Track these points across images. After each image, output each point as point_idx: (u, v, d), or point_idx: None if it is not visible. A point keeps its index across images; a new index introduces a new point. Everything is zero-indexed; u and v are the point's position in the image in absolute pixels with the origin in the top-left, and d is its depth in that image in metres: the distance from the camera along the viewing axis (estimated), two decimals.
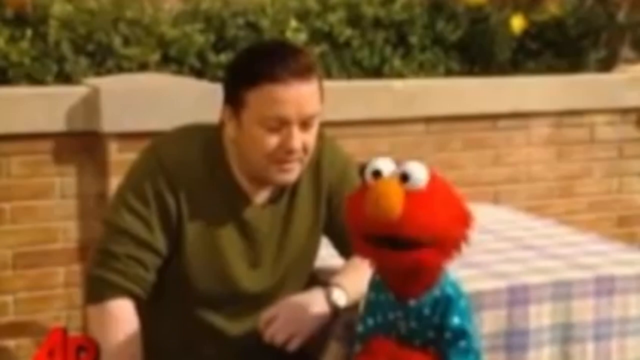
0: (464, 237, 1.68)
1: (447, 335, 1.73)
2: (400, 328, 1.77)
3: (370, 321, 1.82)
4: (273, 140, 1.92)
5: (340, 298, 2.00)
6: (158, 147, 2.03)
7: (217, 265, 2.02)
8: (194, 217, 1.98)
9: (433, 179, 1.66)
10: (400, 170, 1.65)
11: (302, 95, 1.91)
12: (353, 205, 1.70)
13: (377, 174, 1.66)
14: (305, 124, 1.93)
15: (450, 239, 1.66)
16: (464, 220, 1.68)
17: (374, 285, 1.83)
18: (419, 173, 1.64)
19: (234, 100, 1.94)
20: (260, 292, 2.07)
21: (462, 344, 1.73)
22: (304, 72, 1.91)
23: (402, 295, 1.74)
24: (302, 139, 1.93)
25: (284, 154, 1.93)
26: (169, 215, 1.96)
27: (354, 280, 2.02)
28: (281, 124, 1.91)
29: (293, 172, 1.98)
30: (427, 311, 1.73)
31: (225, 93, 1.98)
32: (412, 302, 1.74)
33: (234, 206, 2.02)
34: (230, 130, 1.98)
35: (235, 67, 1.99)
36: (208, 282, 2.03)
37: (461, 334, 1.73)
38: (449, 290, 1.75)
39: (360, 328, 1.83)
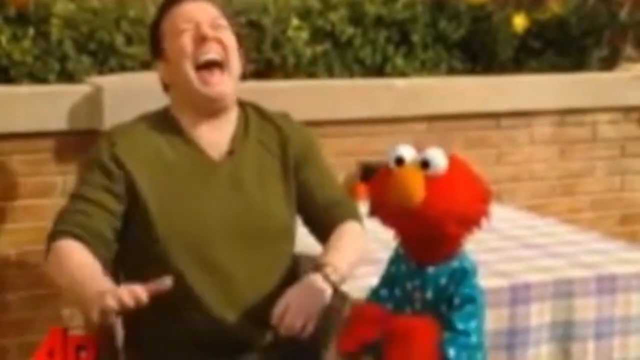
0: (484, 214, 1.78)
1: (456, 301, 1.78)
2: (416, 301, 1.80)
3: (384, 292, 1.88)
4: (187, 39, 2.13)
5: (335, 274, 2.05)
6: (109, 130, 2.24)
7: (180, 223, 2.08)
8: (146, 175, 2.10)
9: (453, 163, 1.77)
10: (420, 157, 1.75)
11: (200, 5, 2.17)
12: (377, 191, 1.80)
13: (399, 161, 1.75)
14: (214, 26, 2.15)
15: (470, 217, 1.75)
16: (483, 198, 1.78)
17: (394, 259, 1.90)
18: (439, 159, 1.75)
19: (155, 45, 2.20)
20: (232, 256, 2.10)
21: (468, 308, 1.79)
22: None
23: (422, 262, 1.81)
24: (214, 35, 2.13)
25: (200, 46, 2.12)
26: (112, 175, 2.08)
27: (339, 254, 2.09)
28: (191, 25, 2.13)
29: (220, 85, 2.14)
30: (443, 280, 1.79)
31: (150, 50, 2.24)
32: (430, 270, 1.80)
33: (189, 160, 2.14)
34: (164, 74, 2.20)
35: (151, 23, 2.25)
36: (173, 244, 2.07)
37: (469, 299, 1.79)
38: (466, 264, 1.82)
39: (371, 297, 1.87)
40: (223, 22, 2.19)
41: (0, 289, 3.08)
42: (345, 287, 2.09)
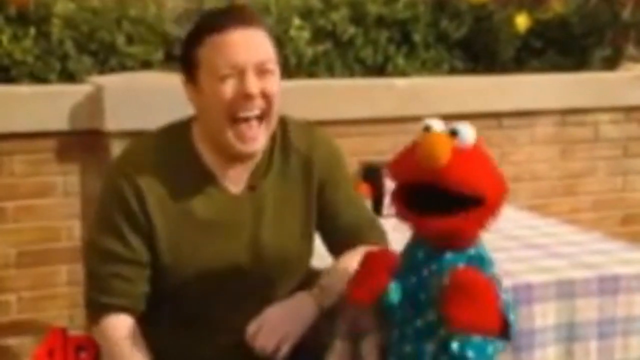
0: (503, 199, 1.76)
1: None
2: (432, 288, 1.77)
3: (399, 282, 1.83)
4: (228, 89, 1.90)
5: (323, 294, 2.00)
6: (121, 160, 2.03)
7: (193, 263, 2.00)
8: (165, 217, 1.97)
9: (480, 143, 1.77)
10: (450, 127, 1.75)
11: (248, 38, 1.91)
12: (400, 158, 1.78)
13: (427, 129, 1.75)
14: (260, 71, 1.92)
15: (491, 197, 1.73)
16: (503, 184, 1.78)
17: (410, 248, 1.86)
18: (468, 132, 1.74)
19: (188, 66, 1.96)
20: (245, 289, 2.05)
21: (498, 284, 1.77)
22: (246, 19, 1.93)
23: (440, 248, 1.79)
24: (260, 87, 1.91)
25: (241, 106, 1.91)
26: (139, 225, 1.95)
27: (337, 276, 2.01)
28: (235, 71, 1.90)
29: (256, 141, 1.95)
30: (461, 266, 1.77)
31: (181, 66, 2.00)
32: (448, 255, 1.79)
33: (209, 197, 2.00)
34: (192, 101, 1.99)
35: (184, 37, 2.01)
36: (187, 280, 2.01)
37: (481, 259, 1.79)
38: (483, 252, 1.82)
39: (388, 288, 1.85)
40: (271, 65, 1.94)
41: (0, 290, 3.08)
42: None
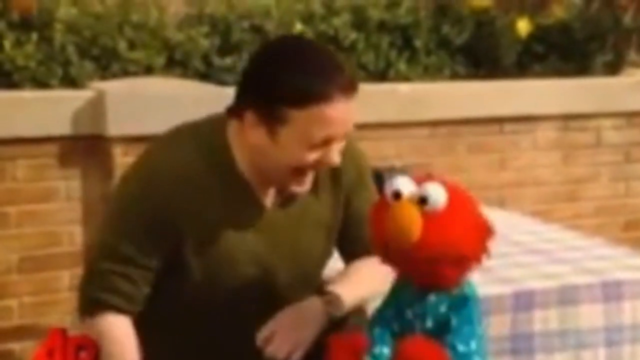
0: (484, 251, 1.70)
1: (454, 322, 1.73)
2: (416, 330, 1.77)
3: (386, 314, 1.83)
4: (313, 157, 1.83)
5: (335, 304, 1.97)
6: (149, 157, 1.95)
7: (226, 277, 1.96)
8: (197, 229, 1.92)
9: (453, 196, 1.67)
10: (419, 192, 1.66)
11: (348, 112, 1.82)
12: (374, 222, 1.72)
13: (396, 195, 1.68)
14: (343, 138, 1.86)
15: (468, 256, 1.69)
16: (484, 235, 1.70)
17: (395, 290, 1.84)
18: (438, 195, 1.65)
19: (269, 115, 1.81)
20: (268, 297, 2.04)
21: (466, 329, 1.73)
22: (350, 88, 1.81)
23: (423, 288, 1.76)
24: (338, 157, 1.87)
25: (314, 167, 1.87)
26: (159, 231, 1.89)
27: (350, 286, 2.00)
28: (325, 142, 1.82)
29: (309, 182, 1.92)
30: (443, 309, 1.75)
31: (257, 104, 1.82)
32: (431, 298, 1.75)
33: (245, 211, 1.96)
34: (254, 139, 1.86)
35: (273, 82, 1.81)
36: (215, 295, 1.97)
37: (466, 321, 1.74)
38: (468, 290, 1.77)
39: (375, 318, 1.85)
40: (352, 128, 1.86)
41: (2, 295, 3.08)
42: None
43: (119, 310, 1.93)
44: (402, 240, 1.64)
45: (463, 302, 1.75)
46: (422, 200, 1.65)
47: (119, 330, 1.93)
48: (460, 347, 1.72)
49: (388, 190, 1.68)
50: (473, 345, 1.73)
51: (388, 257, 1.73)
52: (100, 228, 1.99)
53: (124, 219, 1.92)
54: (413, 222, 1.63)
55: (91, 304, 1.94)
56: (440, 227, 1.64)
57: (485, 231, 1.71)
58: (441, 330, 1.75)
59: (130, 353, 1.91)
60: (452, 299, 1.75)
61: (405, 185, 1.68)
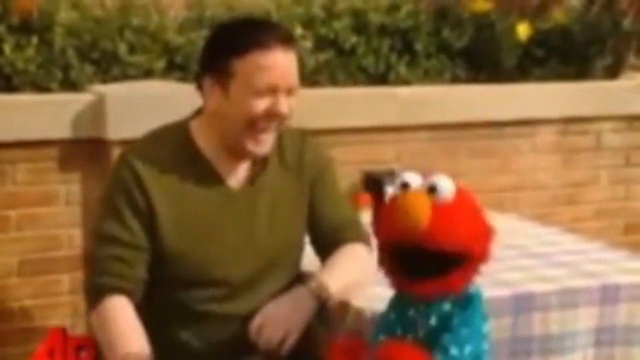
0: (488, 251, 1.73)
1: (454, 321, 1.75)
2: (419, 329, 1.78)
3: (389, 317, 1.84)
4: (261, 106, 2.00)
5: (322, 288, 2.04)
6: (126, 151, 2.13)
7: (194, 251, 2.06)
8: (167, 206, 2.05)
9: (460, 191, 1.72)
10: (427, 183, 1.70)
11: (288, 62, 2.01)
12: (382, 217, 1.74)
13: (405, 186, 1.71)
14: (288, 92, 2.02)
15: (475, 253, 1.71)
16: (488, 234, 1.73)
17: (394, 303, 1.85)
18: (446, 186, 1.70)
19: (220, 71, 2.01)
20: (241, 276, 2.09)
21: (464, 332, 1.75)
22: (288, 40, 2.02)
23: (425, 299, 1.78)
24: (286, 110, 2.03)
25: (267, 120, 2.02)
26: (140, 210, 2.03)
27: (334, 274, 2.08)
28: (269, 91, 1.99)
29: (268, 143, 2.07)
30: (447, 307, 1.77)
31: (208, 65, 2.05)
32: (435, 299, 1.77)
33: (208, 189, 2.09)
34: (211, 102, 2.05)
35: (219, 39, 2.06)
36: (186, 268, 2.06)
37: (465, 323, 1.76)
38: (472, 290, 1.79)
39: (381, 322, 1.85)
40: (296, 84, 2.06)
41: (3, 298, 3.08)
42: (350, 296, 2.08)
43: (116, 290, 1.98)
44: (412, 227, 1.65)
45: (467, 300, 1.76)
46: (431, 190, 1.69)
47: (117, 312, 1.99)
48: (453, 350, 1.72)
49: (396, 184, 1.74)
50: (467, 349, 1.73)
51: (397, 270, 1.73)
52: (95, 221, 2.14)
53: (106, 202, 2.08)
54: (422, 209, 1.66)
55: (93, 293, 2.03)
56: (449, 218, 1.67)
57: (489, 232, 1.74)
58: (445, 328, 1.75)
59: (127, 333, 1.93)
60: (456, 297, 1.76)
61: (413, 177, 1.73)
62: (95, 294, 2.02)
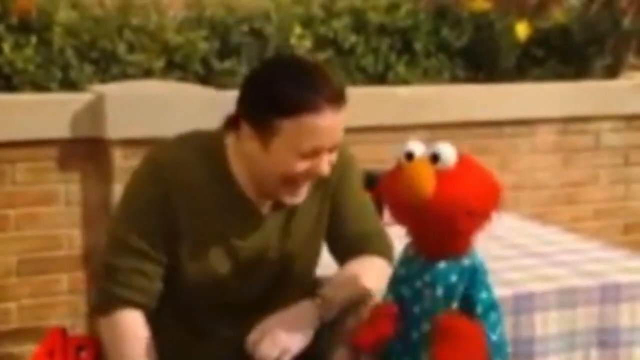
0: (494, 206, 1.77)
1: (479, 310, 1.79)
2: (426, 299, 1.80)
3: (392, 294, 1.88)
4: (303, 167, 1.90)
5: (326, 306, 1.99)
6: (154, 154, 2.03)
7: (212, 274, 2.01)
8: (192, 226, 1.97)
9: (462, 158, 1.77)
10: (430, 151, 1.74)
11: (337, 124, 1.89)
12: (388, 186, 1.79)
13: (409, 156, 1.75)
14: (332, 150, 1.92)
15: (480, 210, 1.75)
16: (493, 193, 1.78)
17: (404, 261, 1.89)
18: (448, 153, 1.74)
19: (262, 125, 1.88)
20: (256, 298, 2.06)
21: (493, 316, 1.80)
22: (339, 99, 1.89)
23: (433, 257, 1.81)
24: (328, 168, 1.94)
25: (306, 178, 1.93)
26: (166, 222, 1.96)
27: (342, 288, 2.02)
28: (313, 152, 1.89)
29: (304, 194, 1.98)
30: (454, 278, 1.79)
31: (251, 115, 1.91)
32: (441, 266, 1.80)
33: (237, 214, 2.01)
34: (249, 149, 1.93)
35: (264, 96, 1.89)
36: (202, 289, 2.02)
37: (490, 307, 1.80)
38: (476, 262, 1.82)
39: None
40: (341, 139, 1.93)
41: (1, 297, 3.08)
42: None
43: (135, 305, 1.96)
44: (417, 195, 1.69)
45: (473, 272, 1.80)
46: (434, 158, 1.73)
47: (134, 328, 1.96)
48: (493, 337, 1.78)
49: (400, 153, 1.77)
50: (500, 329, 1.80)
51: (403, 216, 1.77)
52: (113, 222, 2.05)
53: (131, 211, 1.99)
54: (427, 178, 1.70)
55: (107, 300, 1.98)
56: (453, 183, 1.71)
57: (494, 187, 1.78)
58: (451, 298, 1.78)
59: (144, 349, 1.93)
60: (462, 268, 1.78)
61: (417, 146, 1.77)
62: (110, 301, 1.96)
